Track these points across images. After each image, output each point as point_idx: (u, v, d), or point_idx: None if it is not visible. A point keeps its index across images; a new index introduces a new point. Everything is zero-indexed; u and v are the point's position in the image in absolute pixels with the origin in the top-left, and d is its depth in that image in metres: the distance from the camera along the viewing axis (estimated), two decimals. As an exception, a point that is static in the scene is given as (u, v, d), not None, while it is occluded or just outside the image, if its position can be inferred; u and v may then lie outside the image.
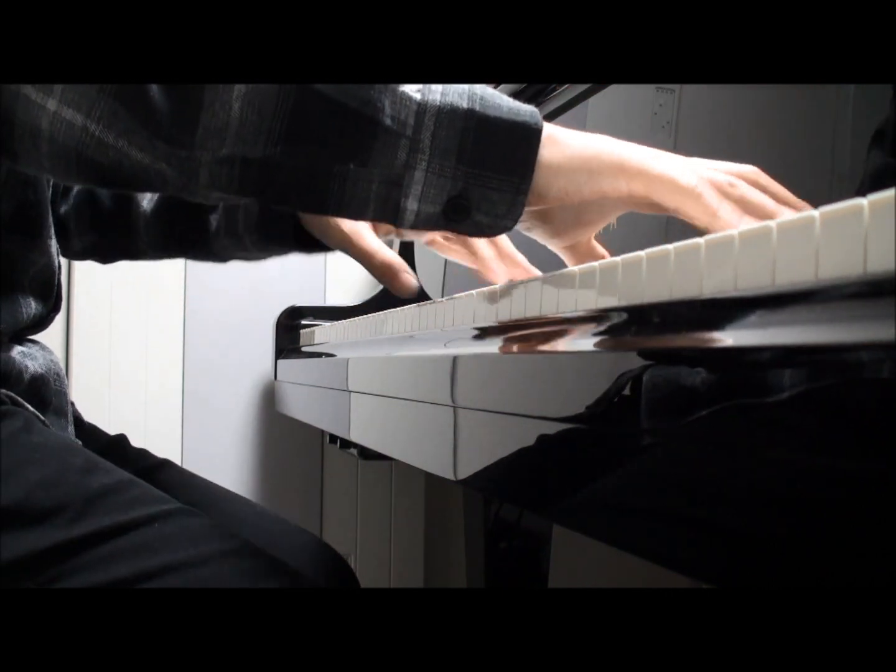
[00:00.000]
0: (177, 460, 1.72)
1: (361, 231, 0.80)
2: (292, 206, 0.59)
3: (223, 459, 1.78)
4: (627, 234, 0.84)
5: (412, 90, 0.55)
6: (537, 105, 1.05)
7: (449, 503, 1.81)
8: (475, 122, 0.55)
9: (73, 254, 1.04)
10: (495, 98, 0.56)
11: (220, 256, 0.98)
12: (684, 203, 0.53)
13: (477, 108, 0.55)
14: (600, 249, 0.65)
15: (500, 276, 0.73)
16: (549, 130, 0.57)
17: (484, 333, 0.63)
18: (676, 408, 0.35)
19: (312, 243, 0.88)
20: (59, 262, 0.87)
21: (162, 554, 0.67)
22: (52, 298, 0.87)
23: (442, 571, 1.86)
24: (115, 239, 1.00)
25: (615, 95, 0.91)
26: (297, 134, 0.55)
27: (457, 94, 0.55)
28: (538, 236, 0.63)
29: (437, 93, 0.55)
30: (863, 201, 0.30)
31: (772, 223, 0.35)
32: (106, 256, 1.06)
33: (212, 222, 0.94)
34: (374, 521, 1.85)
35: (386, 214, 0.57)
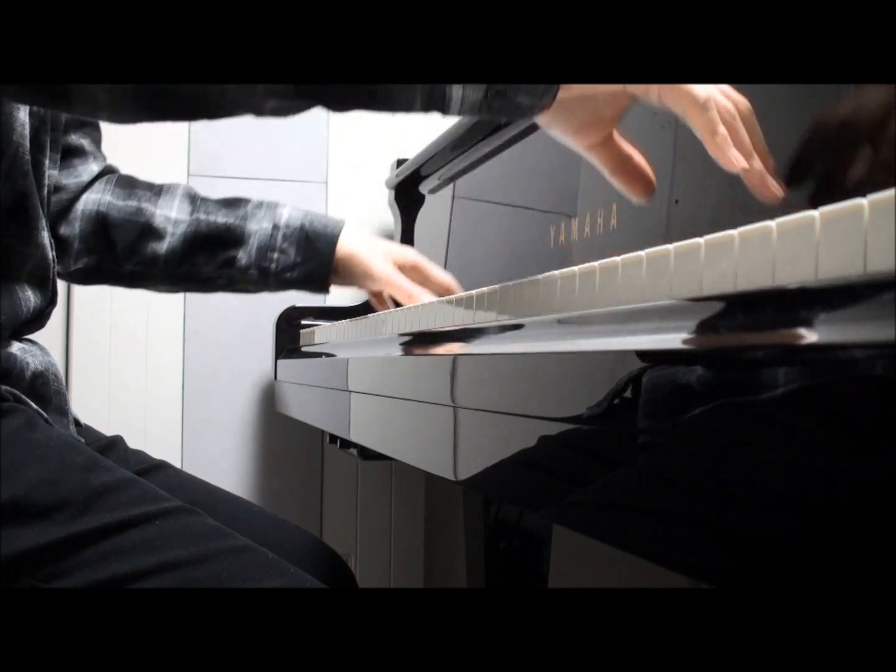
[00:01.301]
0: (177, 460, 1.74)
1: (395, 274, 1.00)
2: (342, 106, 0.63)
3: (223, 459, 1.78)
4: (627, 234, 0.84)
5: None
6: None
7: (449, 503, 1.81)
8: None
9: (65, 273, 1.07)
10: None
11: (229, 289, 1.08)
12: (693, 112, 0.57)
13: None
14: (629, 149, 0.67)
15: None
16: None
17: (484, 332, 0.63)
18: (676, 408, 0.35)
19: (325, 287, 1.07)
20: (53, 256, 0.88)
21: (162, 551, 0.67)
22: (48, 291, 0.88)
23: (442, 571, 1.86)
24: (124, 268, 1.06)
25: (615, 95, 0.91)
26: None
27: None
28: (560, 131, 0.65)
29: None
30: (863, 201, 0.30)
31: (772, 223, 0.35)
32: (97, 279, 1.09)
33: (241, 259, 1.04)
34: (374, 521, 1.85)
35: (433, 103, 0.61)
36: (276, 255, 1.06)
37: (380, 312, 1.00)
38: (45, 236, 0.87)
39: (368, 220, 1.78)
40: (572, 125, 0.65)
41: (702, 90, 0.57)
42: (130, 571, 0.66)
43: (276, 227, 1.06)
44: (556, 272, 0.56)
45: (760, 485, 0.31)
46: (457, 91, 0.60)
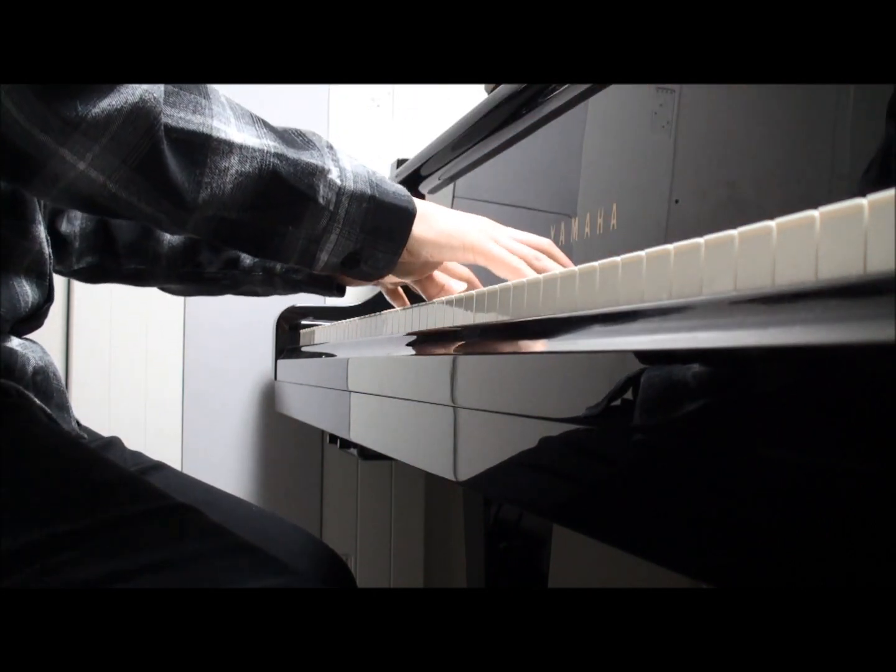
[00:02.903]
0: (177, 460, 1.74)
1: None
2: (242, 250, 0.80)
3: (223, 459, 1.78)
4: (627, 234, 0.84)
5: (335, 177, 0.77)
6: (537, 105, 1.05)
7: (449, 503, 1.81)
8: (374, 205, 0.78)
9: (68, 272, 1.08)
10: (386, 184, 0.80)
11: (235, 290, 1.11)
12: (508, 276, 0.77)
13: (376, 194, 0.78)
14: (441, 279, 0.91)
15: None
16: (423, 209, 0.81)
17: (485, 332, 0.63)
18: (677, 408, 0.35)
19: (338, 288, 1.12)
20: (49, 252, 0.88)
21: (162, 549, 0.68)
22: (46, 287, 0.88)
23: (442, 571, 1.86)
24: (126, 266, 1.07)
25: (615, 95, 0.91)
26: (263, 205, 0.75)
27: (363, 181, 0.78)
28: (395, 276, 0.87)
29: (350, 180, 0.78)
30: (863, 201, 0.30)
31: (772, 223, 0.35)
32: (101, 278, 1.11)
33: (244, 259, 1.08)
34: (374, 521, 1.85)
35: (304, 261, 0.79)
36: None
37: (380, 312, 1.00)
38: (42, 231, 0.87)
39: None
40: (406, 275, 0.88)
41: (509, 258, 0.79)
42: (130, 568, 0.66)
43: None
44: (556, 272, 0.56)
45: (759, 485, 0.31)
46: (324, 255, 0.78)
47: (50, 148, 0.65)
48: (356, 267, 0.80)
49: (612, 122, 0.93)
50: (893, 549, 0.25)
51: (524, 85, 1.06)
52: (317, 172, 0.75)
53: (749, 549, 0.32)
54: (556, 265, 0.80)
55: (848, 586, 0.27)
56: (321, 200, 0.76)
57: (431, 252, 0.81)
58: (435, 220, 0.81)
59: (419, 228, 0.80)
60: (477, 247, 0.80)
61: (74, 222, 1.04)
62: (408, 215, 0.79)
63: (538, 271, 0.78)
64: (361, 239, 0.78)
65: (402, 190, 0.81)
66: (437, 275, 0.92)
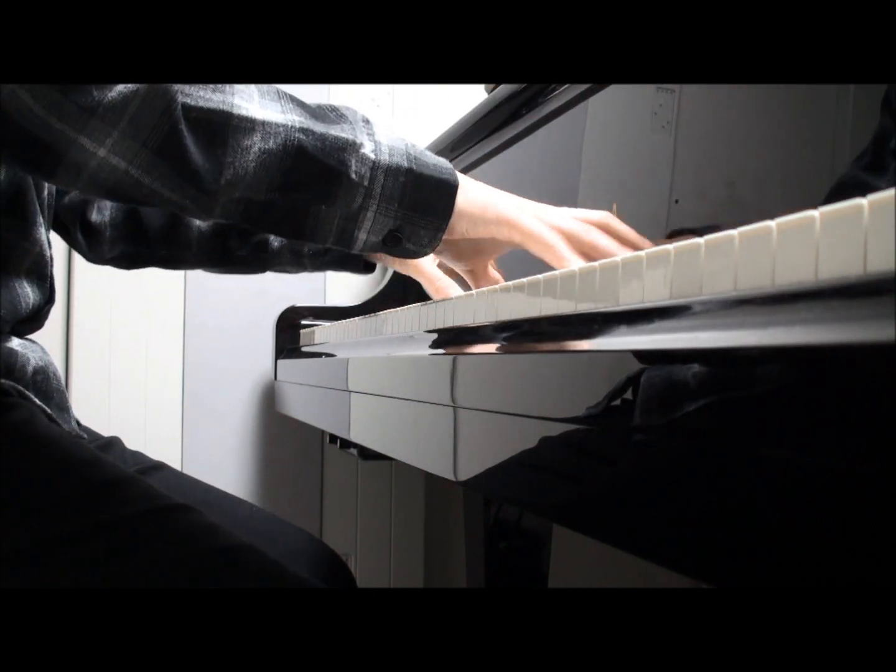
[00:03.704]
0: (176, 460, 1.74)
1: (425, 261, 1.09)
2: (276, 234, 0.77)
3: (223, 459, 1.78)
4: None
5: (369, 151, 0.72)
6: (537, 105, 1.06)
7: (449, 503, 1.81)
8: (412, 178, 0.73)
9: (102, 260, 1.11)
10: (425, 157, 0.75)
11: (265, 270, 1.14)
12: (544, 254, 0.72)
13: (414, 167, 0.73)
14: (495, 275, 0.84)
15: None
16: (464, 182, 0.75)
17: (485, 332, 0.63)
18: (677, 408, 0.35)
19: (366, 266, 1.13)
20: (50, 254, 0.88)
21: (162, 549, 0.68)
22: (46, 288, 0.88)
23: (442, 571, 1.86)
24: (158, 252, 1.10)
25: (615, 95, 0.91)
26: (291, 184, 0.71)
27: (399, 155, 0.73)
28: (446, 259, 0.83)
29: (386, 154, 0.73)
30: (863, 201, 0.30)
31: (772, 223, 0.35)
32: (136, 265, 1.14)
33: (273, 242, 1.09)
34: (374, 521, 1.85)
35: (342, 242, 0.75)
36: None
37: (380, 313, 1.00)
38: (43, 233, 0.87)
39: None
40: (456, 256, 0.82)
41: (547, 234, 0.72)
42: (130, 568, 0.66)
43: None
44: (557, 272, 0.56)
45: (759, 485, 0.31)
46: (363, 234, 0.74)
47: (69, 136, 0.65)
48: (399, 245, 0.75)
49: (612, 122, 0.93)
50: (893, 549, 0.25)
51: (524, 85, 1.07)
52: (348, 147, 0.71)
53: (749, 550, 0.32)
54: (608, 241, 0.72)
55: (848, 586, 0.27)
56: (354, 176, 0.72)
57: (467, 227, 0.76)
58: (470, 191, 0.76)
59: (458, 200, 0.75)
60: (512, 220, 0.74)
61: (104, 212, 1.06)
62: (449, 188, 0.74)
63: (588, 247, 0.72)
64: (401, 215, 0.74)
65: (444, 162, 0.76)
66: (491, 268, 0.85)
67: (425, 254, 0.76)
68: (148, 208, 1.06)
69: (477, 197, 0.75)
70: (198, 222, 1.08)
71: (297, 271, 1.14)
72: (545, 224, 0.73)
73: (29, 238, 0.85)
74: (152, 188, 0.68)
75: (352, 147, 0.72)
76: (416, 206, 0.74)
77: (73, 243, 1.08)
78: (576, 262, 0.69)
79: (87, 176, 0.67)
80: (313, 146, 0.70)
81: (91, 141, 0.65)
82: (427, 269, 1.02)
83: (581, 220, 0.73)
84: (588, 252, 0.71)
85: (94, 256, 1.10)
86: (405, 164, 0.73)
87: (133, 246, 1.09)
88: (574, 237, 0.72)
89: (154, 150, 0.66)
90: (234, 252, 1.10)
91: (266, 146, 0.69)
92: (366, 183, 0.72)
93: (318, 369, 1.16)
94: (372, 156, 0.72)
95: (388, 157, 0.73)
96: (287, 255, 1.10)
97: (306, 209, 0.72)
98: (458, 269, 0.84)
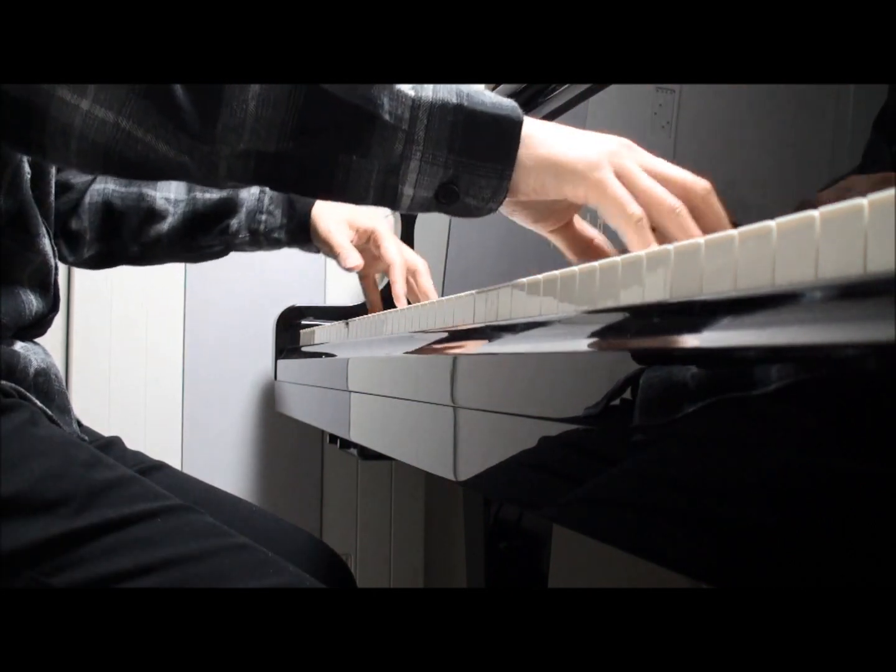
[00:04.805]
0: (177, 460, 1.74)
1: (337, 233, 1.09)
2: (300, 192, 0.65)
3: (223, 459, 1.78)
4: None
5: (406, 88, 0.60)
6: (537, 105, 1.05)
7: (449, 503, 1.81)
8: (463, 116, 0.60)
9: (79, 262, 1.13)
10: (480, 94, 0.62)
11: (228, 252, 1.14)
12: (624, 229, 0.58)
13: (465, 103, 0.61)
14: (591, 231, 0.69)
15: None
16: (528, 129, 0.62)
17: (483, 332, 0.63)
18: (677, 408, 0.35)
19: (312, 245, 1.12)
20: (55, 262, 0.88)
21: (163, 548, 0.68)
22: (50, 296, 0.88)
23: (442, 571, 1.86)
24: (130, 249, 1.11)
25: (615, 95, 0.91)
26: (306, 129, 0.60)
27: (446, 90, 0.61)
28: (521, 220, 0.69)
29: (429, 90, 0.61)
30: (863, 201, 0.30)
31: (772, 223, 0.35)
32: (106, 263, 1.15)
33: (232, 226, 1.09)
34: (374, 521, 1.85)
35: (385, 199, 0.63)
36: (263, 217, 1.10)
37: (380, 312, 1.00)
38: (46, 243, 0.87)
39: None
40: (531, 216, 0.68)
41: (631, 205, 0.58)
42: (131, 567, 0.66)
43: (263, 189, 1.11)
44: (557, 272, 0.56)
45: (760, 485, 0.31)
46: (408, 189, 0.62)
47: (45, 90, 0.60)
48: (456, 201, 0.63)
49: (612, 122, 0.93)
50: (893, 549, 0.25)
51: (524, 85, 1.07)
52: (376, 85, 0.60)
53: (749, 550, 0.32)
54: (693, 225, 0.58)
55: (848, 586, 0.27)
56: (388, 117, 0.60)
57: (535, 186, 0.62)
58: (542, 140, 0.61)
59: (522, 153, 0.61)
60: (589, 177, 0.59)
61: (83, 217, 1.08)
62: (511, 125, 0.61)
63: (673, 228, 0.58)
64: (453, 162, 0.61)
65: (502, 98, 0.63)
66: (581, 223, 0.69)
67: (490, 210, 0.64)
68: (125, 208, 1.07)
69: (548, 149, 0.61)
70: (169, 219, 1.08)
71: (254, 250, 1.14)
72: (634, 181, 0.59)
73: (33, 248, 0.85)
74: (146, 142, 0.60)
75: (381, 85, 0.60)
76: (472, 151, 0.61)
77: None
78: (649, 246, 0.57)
79: (77, 139, 0.61)
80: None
81: (70, 91, 0.60)
82: (337, 239, 1.02)
83: (677, 186, 0.59)
84: (663, 231, 0.59)
85: (74, 259, 1.11)
86: (454, 99, 0.61)
87: (108, 245, 1.10)
88: (665, 211, 0.58)
89: (142, 95, 0.59)
90: (202, 245, 1.11)
91: (266, 85, 0.60)
92: (405, 126, 0.60)
93: (318, 369, 1.16)
94: (410, 92, 0.60)
95: (431, 93, 0.61)
96: (246, 236, 1.10)
97: (332, 159, 0.61)
98: (540, 231, 0.70)
